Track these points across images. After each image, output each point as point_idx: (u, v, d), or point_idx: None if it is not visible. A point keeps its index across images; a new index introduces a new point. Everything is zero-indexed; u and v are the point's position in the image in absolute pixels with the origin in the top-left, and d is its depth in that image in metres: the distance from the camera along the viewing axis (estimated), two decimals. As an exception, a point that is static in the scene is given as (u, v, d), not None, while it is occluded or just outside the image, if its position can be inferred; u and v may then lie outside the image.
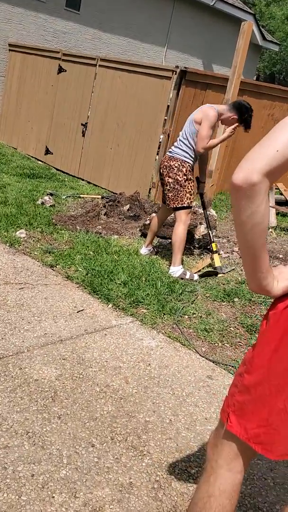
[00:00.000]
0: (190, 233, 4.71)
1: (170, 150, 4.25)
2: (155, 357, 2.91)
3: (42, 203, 5.62)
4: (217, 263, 4.42)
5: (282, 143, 1.07)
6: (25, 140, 8.89)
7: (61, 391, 2.44)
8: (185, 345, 3.12)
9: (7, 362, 2.60)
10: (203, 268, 4.46)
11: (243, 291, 4.00)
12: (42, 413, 2.26)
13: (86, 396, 2.43)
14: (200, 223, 5.09)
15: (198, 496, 1.37)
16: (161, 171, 4.23)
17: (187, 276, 4.15)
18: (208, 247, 5.05)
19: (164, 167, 4.19)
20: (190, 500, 1.40)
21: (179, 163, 4.12)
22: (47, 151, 8.35)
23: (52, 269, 3.96)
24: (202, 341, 3.21)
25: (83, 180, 7.59)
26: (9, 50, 9.35)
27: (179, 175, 4.11)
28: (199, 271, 4.42)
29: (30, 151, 8.74)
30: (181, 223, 4.19)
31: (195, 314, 3.54)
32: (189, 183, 4.16)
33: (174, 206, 4.18)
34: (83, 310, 3.36)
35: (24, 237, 4.50)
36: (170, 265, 4.26)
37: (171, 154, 4.20)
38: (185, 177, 4.13)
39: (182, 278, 4.11)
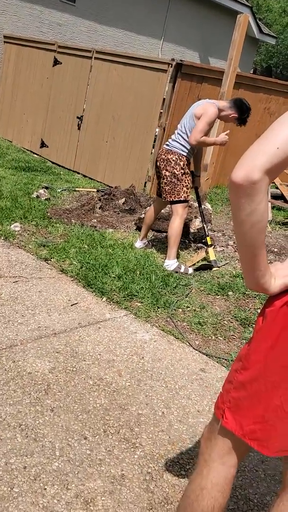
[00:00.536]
0: (185, 227, 4.72)
1: (168, 143, 4.23)
2: (148, 350, 2.92)
3: (37, 197, 5.60)
4: (212, 256, 4.43)
5: (282, 139, 1.05)
6: (21, 133, 8.84)
7: (54, 384, 2.45)
8: (179, 338, 3.13)
9: (0, 355, 2.60)
10: (197, 262, 4.47)
11: (237, 284, 4.01)
12: (35, 406, 2.27)
13: (79, 389, 2.44)
14: (195, 217, 5.09)
15: (191, 488, 1.38)
16: (158, 164, 4.22)
17: (182, 270, 4.16)
18: (203, 240, 5.06)
19: (162, 160, 4.18)
20: (183, 492, 1.41)
21: (176, 157, 4.11)
22: (43, 144, 8.32)
23: (47, 263, 3.95)
24: (196, 335, 3.22)
25: (78, 173, 7.57)
26: (4, 42, 9.28)
27: (176, 169, 4.11)
28: (194, 264, 4.42)
29: (26, 144, 8.70)
30: (178, 217, 4.19)
31: (189, 307, 3.55)
32: (186, 177, 4.15)
33: (171, 199, 4.17)
34: (77, 303, 3.36)
35: (18, 231, 4.49)
36: (165, 259, 4.27)
37: (168, 147, 4.19)
38: (182, 171, 4.12)
39: (176, 272, 4.12)
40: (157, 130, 6.48)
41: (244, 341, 3.20)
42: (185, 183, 4.15)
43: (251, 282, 1.23)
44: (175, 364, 2.83)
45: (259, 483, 2.05)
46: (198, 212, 5.08)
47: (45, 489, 1.84)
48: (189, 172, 4.20)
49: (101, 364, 2.69)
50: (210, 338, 3.20)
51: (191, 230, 5.08)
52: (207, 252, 4.49)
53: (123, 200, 5.84)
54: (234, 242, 5.22)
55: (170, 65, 6.21)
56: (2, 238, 4.29)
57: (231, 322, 3.44)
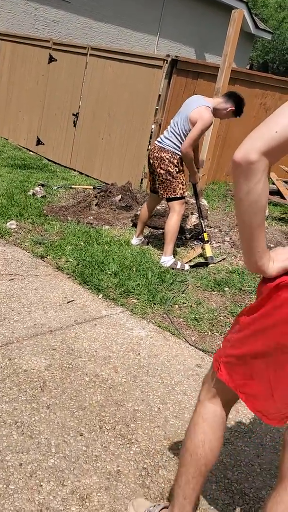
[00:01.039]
0: (181, 223, 4.71)
1: (160, 140, 4.21)
2: (144, 347, 2.92)
3: (33, 194, 5.60)
4: (208, 253, 4.43)
5: (281, 125, 1.13)
6: (16, 130, 8.82)
7: (50, 381, 2.45)
8: (175, 334, 3.13)
9: (-4, 353, 2.60)
10: (194, 258, 4.47)
11: (234, 280, 4.01)
12: (31, 403, 2.27)
13: (75, 386, 2.44)
14: (192, 213, 5.09)
15: (188, 427, 1.58)
16: (151, 161, 4.21)
17: (178, 266, 4.16)
18: (200, 237, 5.06)
19: (155, 158, 4.16)
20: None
21: (170, 155, 4.10)
22: (39, 142, 8.30)
23: (43, 260, 3.95)
24: (192, 330, 3.22)
25: (75, 170, 7.56)
26: (-1, 39, 9.24)
27: (170, 167, 4.10)
28: (190, 261, 4.42)
29: (22, 141, 8.68)
30: (175, 213, 4.18)
31: (185, 303, 3.55)
32: (181, 174, 4.15)
33: (168, 196, 4.17)
34: (73, 300, 3.36)
35: (14, 228, 4.48)
36: (161, 255, 4.27)
37: (161, 145, 4.17)
38: (176, 169, 4.12)
39: (173, 268, 4.12)
40: (153, 126, 6.47)
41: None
42: (180, 179, 4.15)
43: (250, 263, 1.30)
44: (171, 360, 2.83)
45: (254, 478, 2.05)
46: (194, 208, 5.08)
47: (41, 485, 1.84)
48: (183, 169, 4.19)
49: (97, 360, 2.69)
50: (206, 334, 3.20)
51: (188, 227, 5.08)
52: (203, 248, 4.49)
53: (120, 197, 5.84)
54: (230, 238, 5.23)
55: (165, 61, 6.19)
56: (-2, 236, 4.28)
57: (227, 317, 3.44)
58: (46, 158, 8.02)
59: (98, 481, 1.91)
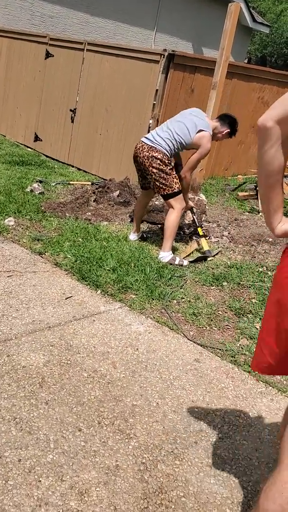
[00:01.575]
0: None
1: (151, 139, 4.14)
2: (143, 342, 2.93)
3: (31, 191, 5.59)
4: (205, 247, 4.44)
5: None
6: (14, 127, 8.79)
7: (49, 377, 2.45)
8: (173, 329, 3.14)
9: (-6, 349, 2.61)
10: (191, 253, 4.47)
11: (232, 275, 4.02)
12: (30, 399, 2.28)
13: (73, 382, 2.44)
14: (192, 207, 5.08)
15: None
16: (141, 160, 4.14)
17: (176, 262, 4.16)
18: (196, 233, 5.06)
19: (145, 157, 4.10)
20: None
21: (161, 155, 4.07)
22: (36, 138, 8.27)
23: (41, 257, 3.95)
24: (190, 325, 3.22)
25: (73, 166, 7.54)
26: (-4, 35, 9.19)
27: (162, 166, 4.08)
28: (188, 255, 4.42)
29: (19, 138, 8.66)
30: (175, 210, 4.18)
31: (183, 298, 3.55)
32: (173, 170, 4.15)
33: (165, 193, 4.15)
34: (71, 296, 3.36)
35: (12, 225, 4.48)
36: (159, 250, 4.26)
37: (152, 144, 4.11)
38: (169, 166, 4.12)
39: (171, 264, 4.12)
40: (150, 121, 6.45)
41: (239, 330, 3.21)
42: (174, 174, 4.15)
43: (265, 218, 1.50)
44: (169, 355, 2.84)
45: (252, 471, 2.06)
46: (192, 203, 5.07)
47: (40, 481, 1.85)
48: (173, 164, 4.20)
49: (95, 356, 2.69)
50: (204, 328, 3.21)
51: (185, 222, 5.08)
52: (199, 244, 4.49)
53: (118, 192, 5.83)
54: (229, 233, 5.23)
55: (162, 55, 6.17)
56: (-4, 233, 4.28)
57: (225, 312, 3.44)
58: (44, 154, 8.00)
59: (97, 476, 1.92)
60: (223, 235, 5.15)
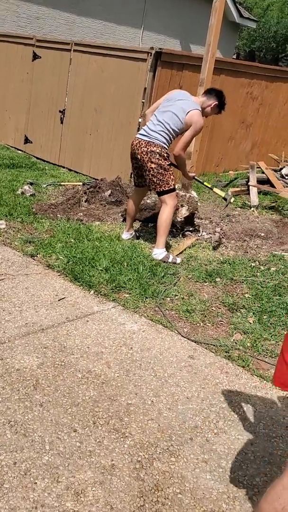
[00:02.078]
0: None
1: (145, 133, 4.17)
2: (137, 341, 2.93)
3: (22, 193, 5.57)
4: (221, 193, 4.72)
5: None
6: (3, 130, 8.77)
7: (43, 379, 2.45)
8: (167, 327, 3.14)
9: (-12, 353, 2.60)
10: (184, 250, 4.48)
11: (225, 270, 4.02)
12: (24, 402, 2.27)
13: (68, 383, 2.44)
14: (182, 205, 5.09)
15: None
16: (139, 157, 4.16)
17: (170, 260, 4.15)
18: (191, 228, 5.07)
19: (144, 152, 4.12)
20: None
21: (160, 149, 4.08)
22: (26, 140, 8.25)
23: (33, 259, 3.94)
24: (184, 322, 3.23)
25: (63, 167, 7.53)
26: (-18, 38, 9.15)
27: (161, 160, 4.09)
28: (181, 253, 4.43)
29: (9, 141, 8.64)
30: (168, 206, 4.19)
31: (177, 296, 3.56)
32: (171, 167, 4.17)
33: (161, 190, 4.15)
34: (64, 298, 3.36)
35: (4, 228, 4.47)
36: (153, 248, 4.26)
37: (148, 139, 4.13)
38: (167, 161, 4.12)
39: (165, 262, 4.12)
40: (140, 120, 6.45)
41: (232, 325, 3.21)
42: (171, 171, 4.17)
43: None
44: (164, 352, 2.84)
45: (248, 465, 2.07)
46: (184, 201, 5.07)
47: (36, 483, 1.85)
48: (171, 162, 4.20)
49: (89, 357, 2.69)
50: (198, 325, 3.21)
51: (178, 219, 5.07)
52: (215, 192, 4.82)
53: (109, 192, 5.82)
54: (221, 229, 5.23)
55: (150, 54, 6.17)
56: (-12, 236, 4.27)
57: (219, 308, 3.45)
58: (34, 156, 7.98)
59: (93, 476, 1.92)
60: (215, 231, 5.16)
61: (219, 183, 7.23)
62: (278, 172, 7.36)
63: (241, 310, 3.43)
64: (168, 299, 3.51)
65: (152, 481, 1.93)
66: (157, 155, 4.07)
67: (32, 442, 2.04)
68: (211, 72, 5.23)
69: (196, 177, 4.71)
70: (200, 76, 5.31)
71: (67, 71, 7.36)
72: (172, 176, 4.15)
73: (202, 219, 5.50)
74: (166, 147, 4.13)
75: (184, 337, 3.04)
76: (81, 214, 5.21)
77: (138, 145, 4.16)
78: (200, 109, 4.16)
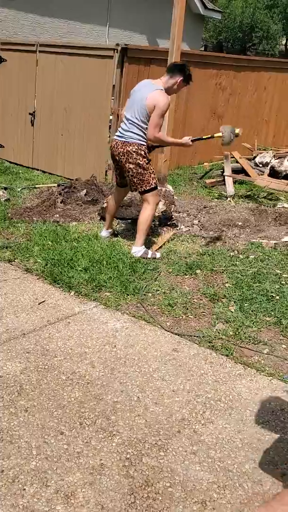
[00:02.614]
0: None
1: (120, 134, 4.13)
2: (120, 338, 2.92)
3: (-3, 199, 5.50)
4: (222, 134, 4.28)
5: None
6: (-26, 136, 8.64)
7: (27, 384, 2.43)
8: (150, 322, 3.14)
9: None
10: (163, 244, 4.48)
11: (205, 262, 4.03)
12: (9, 408, 2.25)
13: (52, 386, 2.42)
14: (160, 200, 5.07)
15: None
16: (117, 158, 4.12)
17: (149, 255, 4.15)
18: (169, 223, 5.06)
19: (121, 154, 4.08)
20: None
21: (136, 148, 4.04)
22: (-2, 145, 8.15)
23: (11, 264, 3.90)
24: (167, 316, 3.23)
25: (38, 170, 7.46)
26: None
27: (139, 159, 4.05)
28: (160, 247, 4.42)
29: (-19, 147, 8.51)
30: (149, 205, 4.16)
31: (158, 290, 3.55)
32: (150, 165, 4.12)
33: (142, 189, 4.12)
34: (44, 301, 3.33)
35: (-21, 235, 4.41)
36: (132, 245, 4.25)
37: (123, 139, 4.09)
38: (145, 159, 4.08)
39: (144, 258, 4.11)
40: (110, 117, 6.42)
41: (215, 316, 3.22)
42: (151, 169, 4.12)
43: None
44: (147, 348, 2.84)
45: (237, 453, 2.08)
46: (160, 195, 5.06)
47: (24, 489, 1.83)
48: (150, 158, 4.16)
49: (73, 358, 2.67)
50: (181, 318, 3.21)
51: (156, 214, 5.06)
52: (211, 136, 4.38)
53: (85, 191, 5.78)
54: (199, 221, 5.24)
55: (116, 50, 6.13)
56: None
57: (200, 299, 3.46)
58: (7, 161, 7.88)
59: (82, 477, 1.90)
60: (193, 224, 5.17)
61: (195, 175, 7.25)
62: (252, 161, 7.40)
63: (222, 300, 3.44)
64: (150, 294, 3.51)
65: (142, 477, 1.92)
66: (134, 154, 4.03)
67: (19, 449, 2.02)
68: (177, 65, 5.21)
69: (192, 139, 4.33)
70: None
71: (34, 73, 7.28)
72: (152, 175, 4.12)
73: (179, 212, 5.50)
74: (143, 142, 4.07)
75: (168, 331, 3.03)
76: (57, 215, 5.17)
77: (115, 146, 4.13)
78: (162, 88, 4.02)
